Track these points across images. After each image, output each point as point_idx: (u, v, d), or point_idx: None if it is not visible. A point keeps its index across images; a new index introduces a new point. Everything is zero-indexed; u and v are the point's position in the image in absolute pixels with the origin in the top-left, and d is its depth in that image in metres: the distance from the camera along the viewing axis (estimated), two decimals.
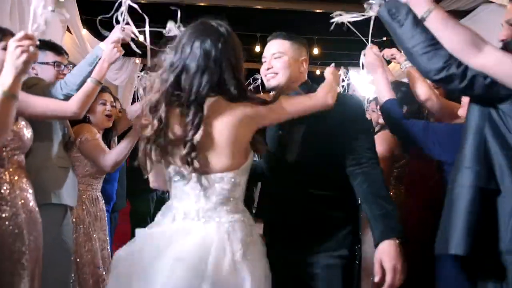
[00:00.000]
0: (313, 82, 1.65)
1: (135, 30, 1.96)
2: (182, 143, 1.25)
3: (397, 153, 2.48)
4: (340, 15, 1.64)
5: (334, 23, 1.63)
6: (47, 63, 2.16)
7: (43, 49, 2.06)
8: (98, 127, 2.41)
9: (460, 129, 1.46)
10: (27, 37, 1.19)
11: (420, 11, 1.29)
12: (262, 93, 2.28)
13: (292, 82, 1.59)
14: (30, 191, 1.73)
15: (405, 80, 3.49)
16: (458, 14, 3.92)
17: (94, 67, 1.95)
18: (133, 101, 5.59)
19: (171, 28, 1.73)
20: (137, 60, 6.20)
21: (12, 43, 1.18)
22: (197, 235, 1.24)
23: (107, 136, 2.58)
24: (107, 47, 1.94)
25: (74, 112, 1.88)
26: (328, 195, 1.52)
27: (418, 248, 1.94)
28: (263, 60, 1.63)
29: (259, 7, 4.28)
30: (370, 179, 1.45)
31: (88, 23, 4.65)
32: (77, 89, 1.96)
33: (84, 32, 4.52)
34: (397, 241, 1.36)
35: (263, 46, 1.73)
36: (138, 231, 1.34)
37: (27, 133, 1.75)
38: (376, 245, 1.39)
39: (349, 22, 1.63)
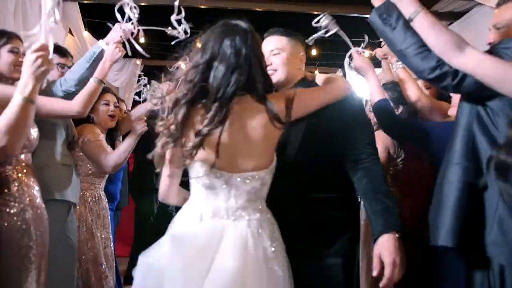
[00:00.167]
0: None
1: (136, 25, 1.97)
2: (197, 134, 1.23)
3: (393, 152, 2.53)
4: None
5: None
6: None
7: None
8: (102, 127, 2.47)
9: (450, 126, 1.51)
10: (44, 47, 1.24)
11: (407, 12, 1.34)
12: None
13: (291, 78, 1.57)
14: (37, 188, 1.78)
15: None
16: (453, 16, 3.97)
17: (92, 63, 1.98)
18: (134, 102, 5.60)
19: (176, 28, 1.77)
20: (138, 61, 6.20)
21: (31, 54, 1.22)
22: (231, 235, 1.24)
23: (112, 136, 2.64)
24: (109, 47, 1.98)
25: (77, 111, 1.93)
26: (328, 195, 1.51)
27: (416, 246, 2.00)
28: None
29: (258, 9, 4.31)
30: (370, 175, 1.44)
31: (90, 26, 4.71)
32: (76, 85, 2.00)
33: (86, 34, 4.57)
34: (397, 236, 1.35)
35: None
36: (170, 238, 1.30)
37: (34, 132, 1.80)
38: (375, 240, 1.38)
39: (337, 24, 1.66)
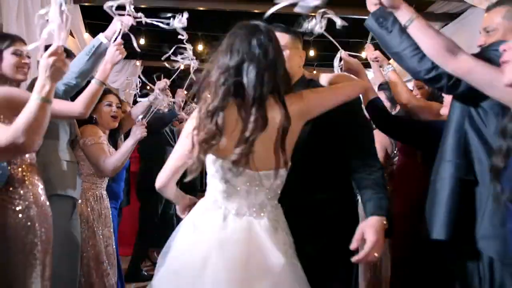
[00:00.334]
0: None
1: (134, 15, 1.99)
2: (241, 141, 1.24)
3: (390, 151, 2.59)
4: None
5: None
6: None
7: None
8: (104, 127, 2.50)
9: (442, 125, 1.56)
10: (59, 49, 1.28)
11: (403, 19, 1.39)
12: None
13: (291, 76, 1.53)
14: (41, 186, 1.82)
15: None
16: (448, 17, 4.03)
17: (92, 56, 2.01)
18: (134, 102, 5.63)
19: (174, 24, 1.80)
20: (138, 62, 6.21)
21: (49, 58, 1.26)
22: (258, 231, 1.27)
23: (114, 136, 2.68)
24: (110, 49, 2.02)
25: (80, 112, 1.97)
26: (327, 194, 1.53)
27: (411, 245, 2.05)
28: None
29: (256, 11, 4.35)
30: (373, 171, 1.49)
31: (90, 27, 4.75)
32: (76, 77, 2.03)
33: (86, 36, 4.61)
34: (384, 222, 1.37)
35: None
36: (195, 239, 1.30)
37: None
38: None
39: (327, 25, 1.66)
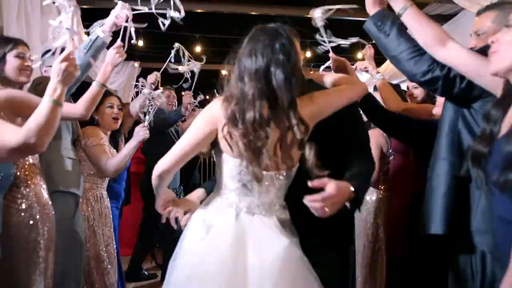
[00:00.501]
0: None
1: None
2: (292, 144, 1.30)
3: (385, 150, 2.62)
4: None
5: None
6: None
7: (53, 53, 2.19)
8: (106, 129, 2.53)
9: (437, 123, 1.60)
10: (71, 55, 1.33)
11: (397, 7, 1.43)
12: None
13: None
14: (44, 186, 1.85)
15: (395, 81, 3.65)
16: (442, 18, 4.09)
17: (90, 49, 2.04)
18: None
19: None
20: (136, 64, 6.23)
21: (61, 64, 1.31)
22: (268, 226, 1.31)
23: (115, 137, 2.71)
24: (110, 51, 2.06)
25: (81, 114, 2.00)
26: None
27: (408, 245, 2.09)
28: None
29: (253, 13, 4.38)
30: (361, 173, 1.49)
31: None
32: None
33: (85, 38, 4.63)
34: (352, 194, 1.34)
35: None
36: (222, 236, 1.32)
37: None
38: None
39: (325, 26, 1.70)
